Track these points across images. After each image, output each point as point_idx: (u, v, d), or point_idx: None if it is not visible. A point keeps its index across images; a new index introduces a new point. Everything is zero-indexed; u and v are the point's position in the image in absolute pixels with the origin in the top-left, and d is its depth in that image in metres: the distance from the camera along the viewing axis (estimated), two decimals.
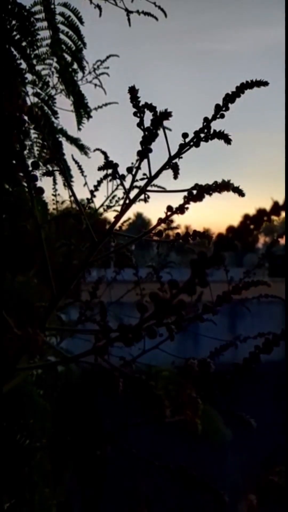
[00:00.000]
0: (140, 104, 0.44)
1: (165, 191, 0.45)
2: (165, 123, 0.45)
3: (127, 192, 0.46)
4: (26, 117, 0.43)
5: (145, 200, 0.48)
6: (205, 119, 0.46)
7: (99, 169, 0.57)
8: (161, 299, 0.28)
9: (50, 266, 0.49)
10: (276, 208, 0.22)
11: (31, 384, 0.75)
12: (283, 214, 0.28)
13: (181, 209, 0.41)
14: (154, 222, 0.46)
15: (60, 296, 0.43)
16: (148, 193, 0.49)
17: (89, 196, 1.07)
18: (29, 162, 0.42)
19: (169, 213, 0.42)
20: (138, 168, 0.44)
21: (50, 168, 0.47)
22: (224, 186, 0.37)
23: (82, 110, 1.01)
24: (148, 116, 0.47)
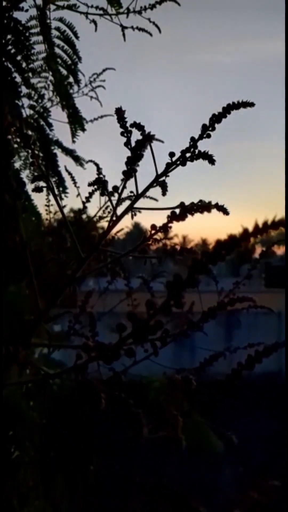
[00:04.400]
0: (128, 124, 0.45)
1: (151, 209, 0.46)
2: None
3: (114, 209, 0.47)
4: (15, 136, 0.44)
5: (132, 216, 0.48)
6: (192, 138, 0.47)
7: (89, 184, 0.57)
8: (138, 319, 0.29)
9: (40, 279, 0.49)
10: (245, 235, 0.23)
11: (21, 395, 0.75)
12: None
13: (164, 228, 0.42)
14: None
15: (45, 312, 0.43)
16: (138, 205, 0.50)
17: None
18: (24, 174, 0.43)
19: (153, 231, 0.43)
20: (124, 187, 0.45)
21: (40, 184, 0.48)
22: (205, 207, 0.38)
23: (77, 123, 1.02)
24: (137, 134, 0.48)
